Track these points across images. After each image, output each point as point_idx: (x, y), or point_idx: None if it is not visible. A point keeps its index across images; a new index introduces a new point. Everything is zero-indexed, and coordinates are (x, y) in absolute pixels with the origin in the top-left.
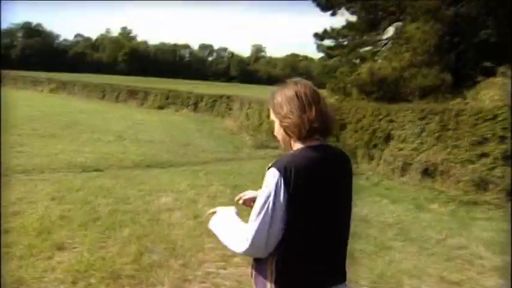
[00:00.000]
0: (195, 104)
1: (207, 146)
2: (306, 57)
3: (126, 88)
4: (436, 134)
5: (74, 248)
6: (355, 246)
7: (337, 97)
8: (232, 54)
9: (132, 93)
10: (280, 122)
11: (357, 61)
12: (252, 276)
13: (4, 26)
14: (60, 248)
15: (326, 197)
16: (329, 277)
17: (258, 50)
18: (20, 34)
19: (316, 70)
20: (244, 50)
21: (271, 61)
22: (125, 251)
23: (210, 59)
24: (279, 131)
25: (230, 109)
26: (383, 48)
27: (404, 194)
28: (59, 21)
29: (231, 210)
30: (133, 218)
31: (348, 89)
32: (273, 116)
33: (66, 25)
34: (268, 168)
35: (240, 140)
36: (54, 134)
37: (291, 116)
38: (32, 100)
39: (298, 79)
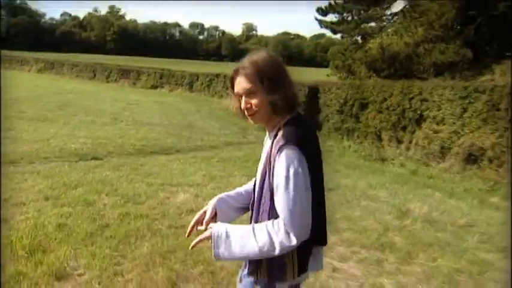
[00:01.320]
0: (190, 84)
1: (210, 128)
2: (297, 36)
3: (117, 67)
4: (484, 115)
5: (80, 275)
6: (442, 261)
7: (340, 75)
8: (223, 33)
9: (124, 72)
10: (273, 94)
11: (359, 38)
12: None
13: None
14: (61, 276)
15: (321, 162)
16: (325, 237)
17: (249, 28)
18: (3, 12)
19: (309, 48)
20: (235, 29)
21: (263, 39)
22: (149, 278)
23: (200, 37)
24: (261, 104)
25: (227, 88)
26: (390, 23)
27: (454, 185)
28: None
29: (222, 225)
30: (151, 225)
31: (353, 67)
32: (248, 89)
33: (52, 4)
34: (282, 148)
35: (243, 121)
36: (44, 116)
37: (289, 88)
38: (19, 80)
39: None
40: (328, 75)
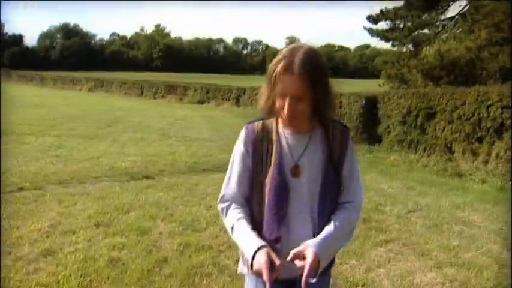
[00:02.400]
0: (237, 98)
1: None
2: (341, 47)
3: (164, 84)
4: None
5: None
6: None
7: (392, 84)
8: (267, 47)
9: (171, 88)
10: (322, 100)
11: (410, 45)
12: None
13: (44, 28)
14: None
15: None
16: None
17: (291, 41)
18: (59, 35)
19: (353, 59)
20: (278, 42)
21: None
22: None
23: (244, 52)
24: (307, 109)
25: None
26: (446, 29)
27: None
28: (94, 21)
29: (318, 245)
30: (216, 259)
31: (407, 75)
32: (299, 94)
33: (102, 25)
34: (348, 138)
35: None
36: (94, 134)
37: (331, 90)
38: (71, 99)
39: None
40: (380, 85)
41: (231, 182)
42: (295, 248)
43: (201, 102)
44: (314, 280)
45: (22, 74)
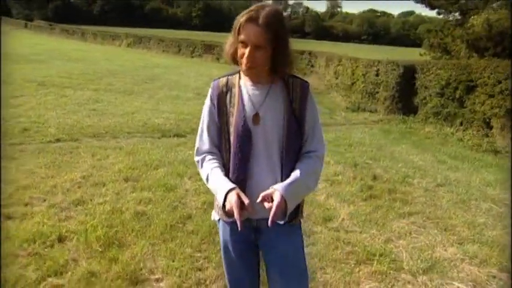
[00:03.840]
0: None
1: None
2: (384, 13)
3: (201, 43)
4: None
5: (157, 280)
6: None
7: (434, 54)
8: (307, 9)
9: (208, 48)
10: (280, 53)
11: (457, 14)
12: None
13: None
14: (136, 281)
15: None
16: None
17: (333, 5)
18: None
19: (396, 26)
20: (319, 6)
21: (348, 17)
22: None
23: (284, 14)
24: (266, 61)
25: (312, 66)
26: None
27: None
28: None
29: (284, 188)
30: None
31: (451, 45)
32: (259, 43)
33: None
34: (308, 89)
35: (330, 100)
36: (131, 89)
37: (290, 50)
38: (110, 54)
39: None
40: (421, 55)
41: (203, 135)
42: (260, 191)
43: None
44: (282, 222)
45: (64, 28)
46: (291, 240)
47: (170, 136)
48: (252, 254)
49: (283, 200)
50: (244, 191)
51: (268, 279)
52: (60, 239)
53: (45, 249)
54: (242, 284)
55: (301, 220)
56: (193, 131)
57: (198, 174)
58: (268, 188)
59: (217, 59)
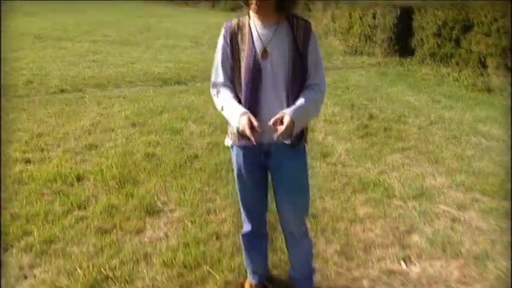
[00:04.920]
0: None
1: None
2: None
3: None
4: None
5: (171, 211)
6: None
7: None
8: None
9: None
10: None
11: None
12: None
13: None
14: (152, 212)
15: None
16: None
17: None
18: None
19: None
20: None
21: None
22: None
23: None
24: None
25: (309, 10)
26: None
27: None
28: None
29: (292, 112)
30: None
31: None
32: None
33: None
34: (311, 28)
35: (328, 44)
36: (127, 40)
37: None
38: (102, 4)
39: None
40: None
41: (218, 70)
42: (269, 118)
43: (233, 9)
44: (288, 142)
45: None
46: (296, 161)
47: (171, 84)
48: (262, 175)
49: (292, 121)
50: (256, 118)
51: (275, 196)
52: (79, 179)
53: (67, 188)
54: (253, 201)
55: (306, 145)
56: (194, 79)
57: (202, 117)
58: (276, 116)
59: (213, 6)
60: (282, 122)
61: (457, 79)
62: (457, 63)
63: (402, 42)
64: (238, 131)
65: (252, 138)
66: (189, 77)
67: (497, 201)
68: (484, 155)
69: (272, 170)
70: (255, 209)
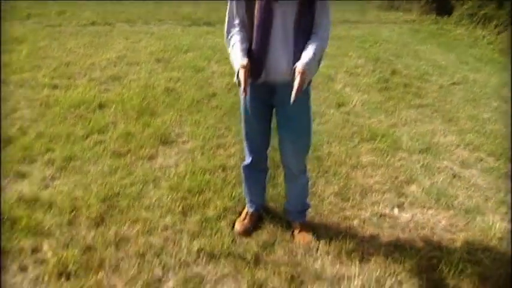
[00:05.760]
0: None
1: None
2: None
3: None
4: None
5: (184, 142)
6: None
7: None
8: None
9: None
10: None
11: None
12: None
13: None
14: (166, 141)
15: None
16: None
17: None
18: None
19: None
20: None
21: None
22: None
23: None
24: None
25: None
26: None
27: None
28: None
29: (305, 62)
30: None
31: None
32: None
33: None
34: None
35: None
36: None
37: None
38: None
39: None
40: None
41: (231, 16)
42: (277, 57)
43: None
44: (305, 86)
45: None
46: (300, 100)
47: (200, 25)
48: (267, 111)
49: (306, 71)
50: (265, 58)
51: (278, 133)
52: (101, 106)
53: (89, 113)
54: (256, 136)
55: (310, 85)
56: (222, 21)
57: (226, 58)
58: (283, 56)
59: None
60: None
61: (492, 42)
62: (495, 26)
63: (440, 0)
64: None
65: (243, 94)
66: (217, 18)
67: (501, 162)
68: (500, 119)
69: (277, 107)
70: (257, 143)
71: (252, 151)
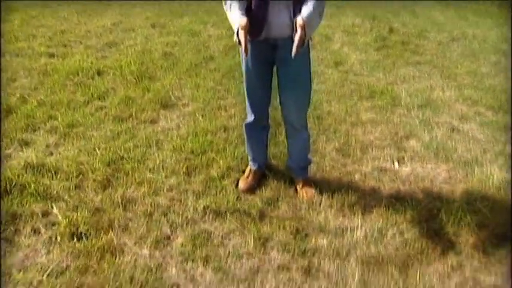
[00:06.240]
0: None
1: None
2: None
3: None
4: None
5: (184, 105)
6: None
7: None
8: None
9: None
10: None
11: None
12: None
13: None
14: (166, 105)
15: None
16: None
17: None
18: None
19: None
20: None
21: None
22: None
23: None
24: None
25: None
26: None
27: None
28: None
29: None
30: None
31: None
32: None
33: None
34: None
35: None
36: None
37: None
38: None
39: None
40: None
41: None
42: (277, 16)
43: None
44: (306, 42)
45: None
46: (301, 55)
47: None
48: (268, 68)
49: (304, 29)
50: (265, 14)
51: (280, 88)
52: (99, 73)
53: (88, 80)
54: (257, 93)
55: (310, 42)
56: None
57: (222, 22)
58: (283, 12)
59: None
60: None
61: None
62: None
63: None
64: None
65: (244, 54)
66: None
67: (499, 116)
68: (499, 73)
69: (278, 62)
70: (259, 100)
71: (254, 109)
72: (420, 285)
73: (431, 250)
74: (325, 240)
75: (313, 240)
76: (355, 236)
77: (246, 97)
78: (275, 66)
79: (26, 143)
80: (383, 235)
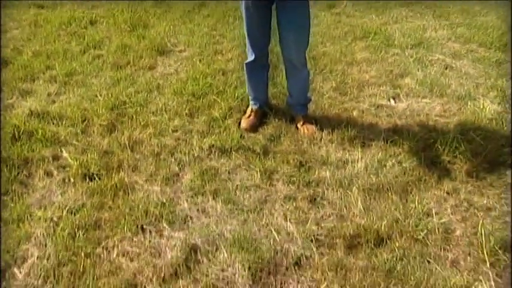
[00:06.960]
0: None
1: None
2: None
3: None
4: None
5: (181, 51)
6: None
7: None
8: None
9: None
10: None
11: None
12: None
13: None
14: (163, 51)
15: None
16: None
17: None
18: None
19: None
20: None
21: None
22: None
23: None
24: None
25: None
26: None
27: None
28: None
29: None
30: None
31: None
32: None
33: None
34: None
35: None
36: None
37: None
38: None
39: None
40: None
41: None
42: None
43: None
44: None
45: None
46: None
47: None
48: (268, 9)
49: None
50: None
51: (279, 28)
52: (92, 22)
53: (81, 30)
54: (257, 31)
55: None
56: None
57: None
58: None
59: None
60: None
61: None
62: None
63: None
64: None
65: None
66: None
67: (491, 52)
68: (491, 11)
69: (278, 6)
70: (259, 38)
71: (254, 47)
72: (419, 208)
73: (428, 177)
74: (327, 172)
75: (317, 172)
76: (356, 167)
77: (246, 36)
78: (274, 4)
79: (27, 93)
80: (382, 165)
